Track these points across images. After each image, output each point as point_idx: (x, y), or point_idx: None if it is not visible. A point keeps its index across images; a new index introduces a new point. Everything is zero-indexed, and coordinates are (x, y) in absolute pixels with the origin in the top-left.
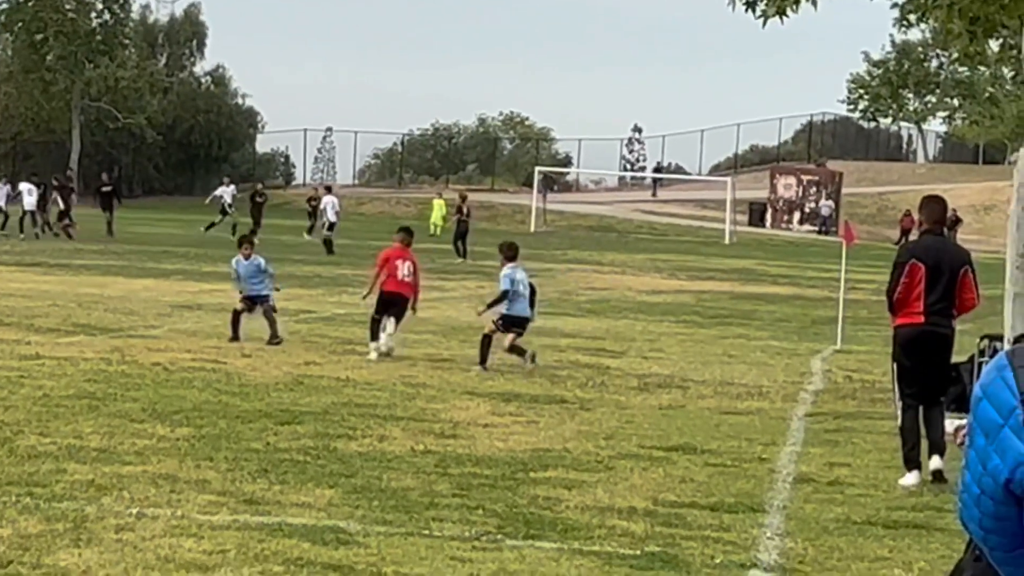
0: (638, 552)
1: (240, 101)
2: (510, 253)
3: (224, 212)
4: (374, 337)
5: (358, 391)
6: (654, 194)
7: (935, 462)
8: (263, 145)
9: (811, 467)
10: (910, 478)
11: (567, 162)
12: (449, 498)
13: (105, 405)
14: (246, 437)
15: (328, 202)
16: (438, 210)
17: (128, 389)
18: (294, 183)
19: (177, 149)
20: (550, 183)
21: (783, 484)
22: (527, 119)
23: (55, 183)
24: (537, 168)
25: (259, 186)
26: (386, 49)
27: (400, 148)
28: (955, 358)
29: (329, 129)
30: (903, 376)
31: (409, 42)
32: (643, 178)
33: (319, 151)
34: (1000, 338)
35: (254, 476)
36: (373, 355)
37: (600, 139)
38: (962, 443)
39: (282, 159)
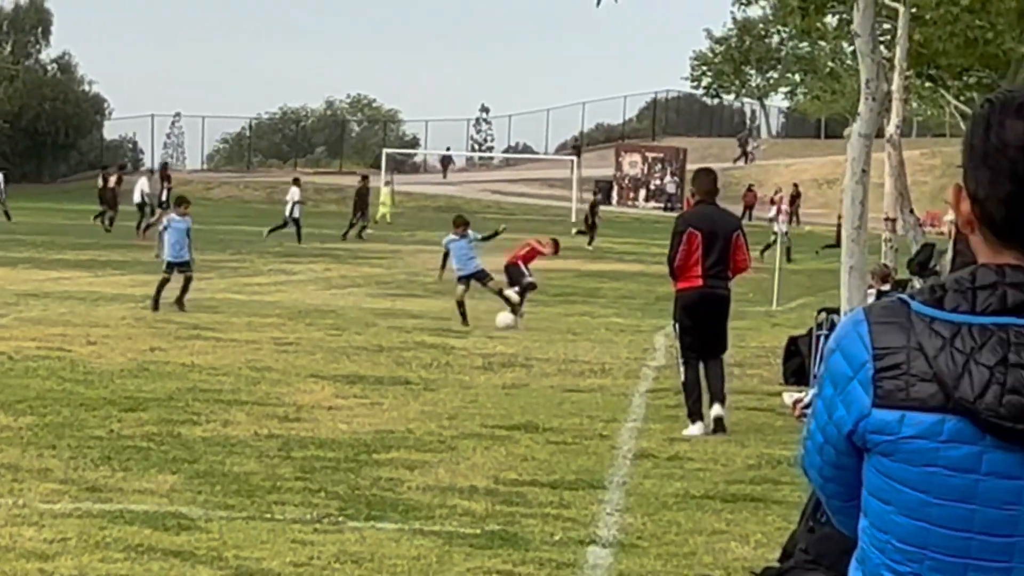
0: (478, 531)
1: (87, 88)
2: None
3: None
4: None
5: (203, 376)
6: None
7: (716, 410)
8: (111, 132)
9: (651, 443)
10: (694, 429)
11: (415, 143)
12: (292, 481)
13: None
14: (89, 425)
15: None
16: (385, 197)
17: None
18: (143, 169)
19: (24, 137)
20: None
21: (623, 460)
22: (374, 101)
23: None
24: (385, 150)
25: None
26: (233, 34)
27: (248, 132)
28: (794, 332)
29: (177, 114)
30: (685, 336)
31: (256, 27)
32: (491, 158)
33: (168, 136)
34: (837, 311)
35: (97, 464)
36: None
37: (447, 120)
38: (800, 416)
39: (130, 145)
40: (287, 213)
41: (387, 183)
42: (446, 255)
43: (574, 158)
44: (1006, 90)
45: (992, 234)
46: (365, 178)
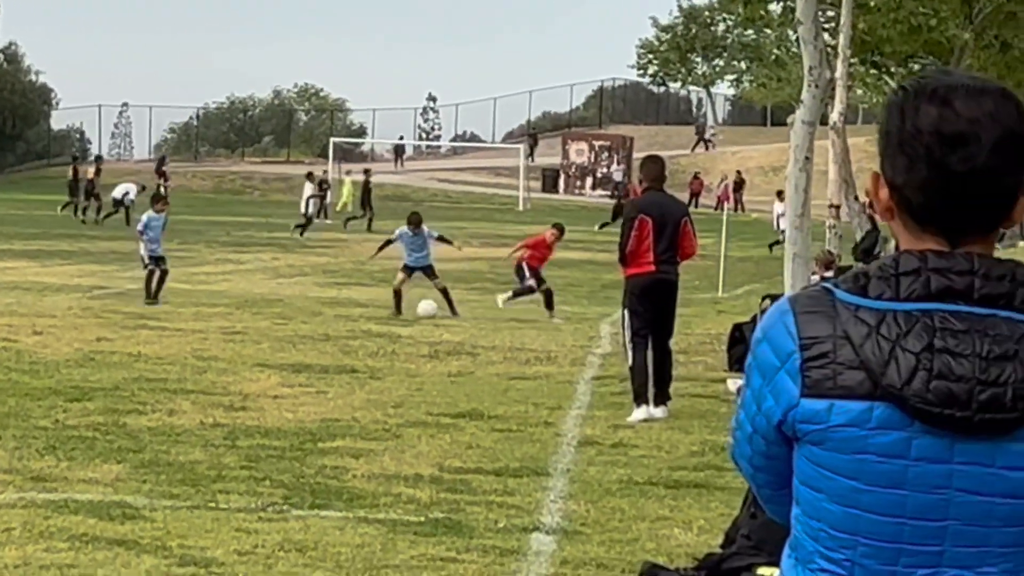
0: (422, 519)
1: (34, 78)
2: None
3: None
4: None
5: (149, 366)
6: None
7: (659, 412)
8: (58, 122)
9: (596, 430)
10: (639, 413)
11: (362, 132)
12: (237, 470)
13: None
14: (35, 415)
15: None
16: (348, 188)
17: None
18: (90, 159)
19: None
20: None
21: (568, 447)
22: (322, 90)
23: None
24: (332, 139)
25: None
26: (181, 24)
27: (196, 122)
28: (739, 319)
29: (125, 104)
30: (635, 321)
31: (204, 17)
32: (439, 147)
33: (115, 126)
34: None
35: (42, 453)
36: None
37: (395, 109)
38: None
39: (77, 135)
40: (304, 208)
41: (347, 172)
42: (389, 242)
43: (521, 146)
44: (920, 76)
45: (912, 220)
46: (368, 171)
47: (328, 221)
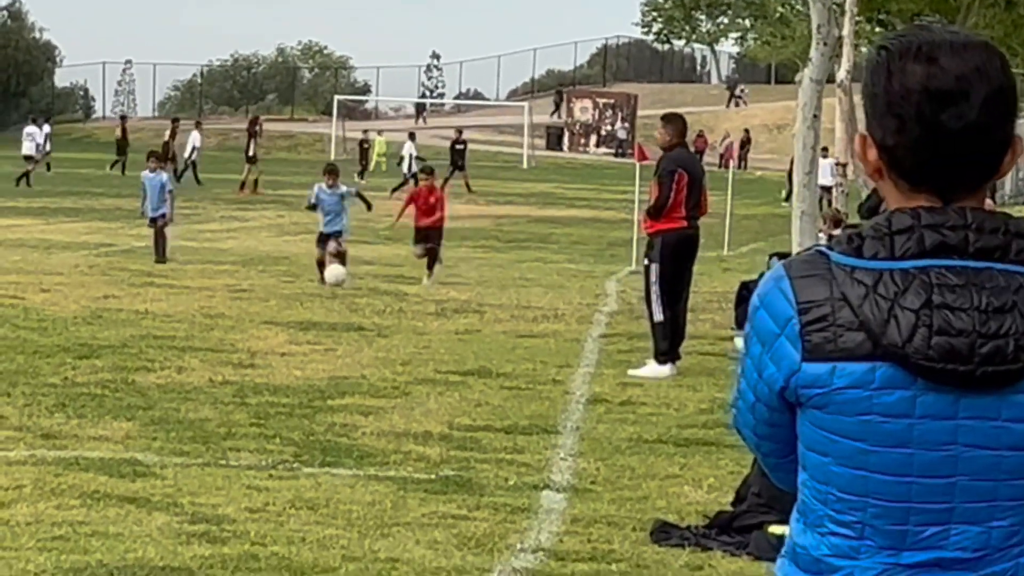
0: (433, 476)
1: (38, 35)
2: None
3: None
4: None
5: (157, 323)
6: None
7: (667, 370)
8: (62, 79)
9: (604, 388)
10: (665, 370)
11: (366, 90)
12: (246, 428)
13: None
14: (44, 372)
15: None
16: (380, 147)
17: None
18: (94, 116)
19: None
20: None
21: (576, 405)
22: (326, 48)
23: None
24: (336, 97)
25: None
26: None
27: (199, 80)
28: (746, 277)
29: (128, 62)
30: (666, 277)
31: None
32: (442, 104)
33: (119, 84)
34: (789, 256)
35: (51, 411)
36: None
37: (399, 66)
38: None
39: (81, 92)
40: (405, 168)
41: (380, 132)
42: (313, 207)
43: (526, 104)
44: (899, 35)
45: (903, 180)
46: (460, 131)
47: (363, 182)
